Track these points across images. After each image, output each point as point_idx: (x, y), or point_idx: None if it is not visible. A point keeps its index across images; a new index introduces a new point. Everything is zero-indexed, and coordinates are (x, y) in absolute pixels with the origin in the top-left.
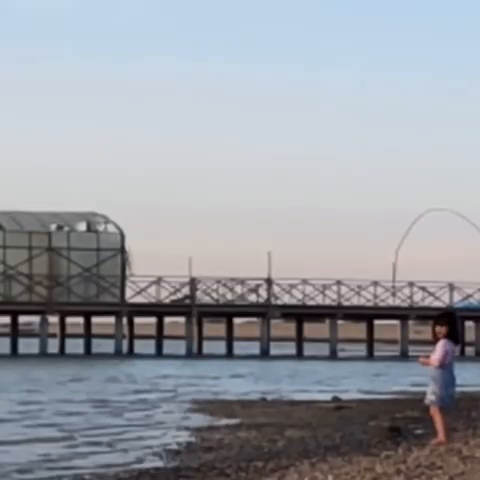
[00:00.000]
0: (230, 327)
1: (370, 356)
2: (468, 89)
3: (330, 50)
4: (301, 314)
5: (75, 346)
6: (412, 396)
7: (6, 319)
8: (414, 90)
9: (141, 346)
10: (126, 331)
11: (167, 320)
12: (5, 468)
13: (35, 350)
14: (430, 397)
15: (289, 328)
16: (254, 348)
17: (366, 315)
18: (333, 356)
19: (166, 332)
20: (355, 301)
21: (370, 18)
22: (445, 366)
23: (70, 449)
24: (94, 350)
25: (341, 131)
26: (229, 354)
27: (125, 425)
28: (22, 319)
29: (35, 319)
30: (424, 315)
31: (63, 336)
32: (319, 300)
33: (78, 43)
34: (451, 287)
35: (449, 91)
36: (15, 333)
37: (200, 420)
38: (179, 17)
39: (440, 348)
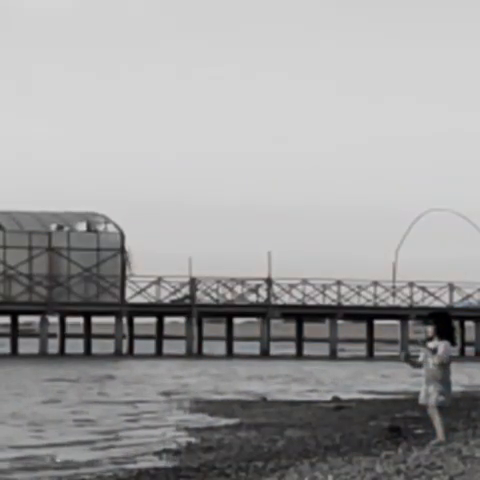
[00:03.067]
0: (230, 327)
1: (370, 356)
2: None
3: (331, 49)
4: (301, 314)
5: (75, 346)
6: (412, 396)
7: (6, 319)
8: (413, 91)
9: (141, 346)
10: (126, 331)
11: (167, 320)
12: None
13: (35, 350)
14: (439, 398)
15: (289, 328)
16: (254, 348)
17: (366, 315)
18: (333, 356)
19: (166, 332)
20: (355, 301)
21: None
22: (448, 366)
23: (69, 449)
24: (94, 350)
25: (340, 131)
26: (229, 354)
27: (125, 424)
28: (22, 319)
29: (35, 319)
30: (424, 315)
31: (63, 336)
32: (319, 300)
33: (77, 42)
34: (451, 287)
35: (450, 91)
36: (15, 333)
37: (200, 420)
38: (179, 17)
39: (442, 347)
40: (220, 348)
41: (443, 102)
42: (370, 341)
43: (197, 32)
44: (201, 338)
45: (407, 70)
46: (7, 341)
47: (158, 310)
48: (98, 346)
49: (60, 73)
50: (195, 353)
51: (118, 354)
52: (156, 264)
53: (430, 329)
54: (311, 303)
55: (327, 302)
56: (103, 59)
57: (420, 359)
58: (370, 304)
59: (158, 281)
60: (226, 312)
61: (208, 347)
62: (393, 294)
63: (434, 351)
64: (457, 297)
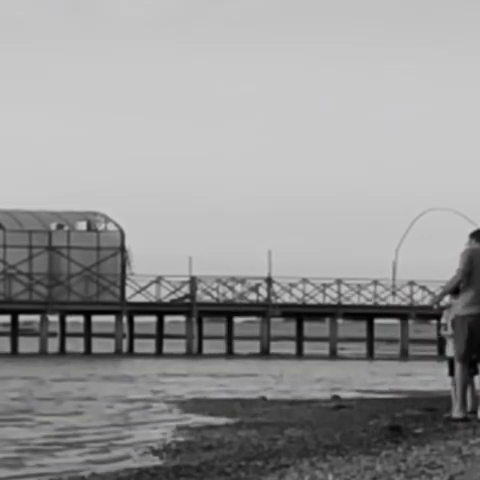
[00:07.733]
0: (230, 326)
1: (370, 355)
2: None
3: (335, 46)
4: (301, 313)
5: (75, 345)
6: (412, 395)
7: (6, 318)
8: (413, 92)
9: (141, 345)
10: (126, 330)
11: (167, 319)
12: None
13: (35, 349)
14: None
15: (289, 327)
16: (254, 347)
17: (366, 314)
18: (333, 355)
19: (166, 331)
20: (355, 300)
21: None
22: None
23: (70, 447)
24: (94, 349)
25: (339, 131)
26: (229, 353)
27: (125, 424)
28: (22, 318)
29: (35, 318)
30: (424, 314)
31: (63, 335)
32: (319, 299)
33: (76, 42)
34: None
35: (450, 93)
36: (15, 332)
37: (200, 419)
38: (179, 16)
39: None
40: (220, 347)
41: (442, 101)
42: (370, 340)
43: (195, 32)
44: (201, 337)
45: (403, 76)
46: (7, 340)
47: (158, 309)
48: (98, 345)
49: (59, 73)
50: (195, 352)
51: (118, 353)
52: (156, 264)
53: None
54: (311, 302)
55: (327, 301)
56: (102, 59)
57: None
58: (370, 303)
59: (158, 280)
60: (226, 311)
61: (208, 346)
62: (393, 293)
63: None
64: None
